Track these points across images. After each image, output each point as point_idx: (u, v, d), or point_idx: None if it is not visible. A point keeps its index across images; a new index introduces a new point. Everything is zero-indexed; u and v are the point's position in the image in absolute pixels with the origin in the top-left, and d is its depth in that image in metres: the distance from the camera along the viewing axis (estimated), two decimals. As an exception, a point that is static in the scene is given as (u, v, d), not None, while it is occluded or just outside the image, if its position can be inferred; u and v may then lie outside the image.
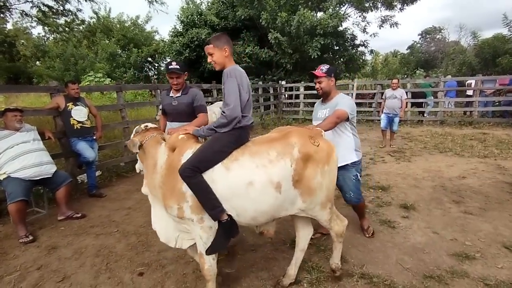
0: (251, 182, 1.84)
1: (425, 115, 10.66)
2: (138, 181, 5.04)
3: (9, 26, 21.90)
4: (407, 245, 2.80)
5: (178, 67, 2.91)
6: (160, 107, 3.32)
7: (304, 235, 2.28)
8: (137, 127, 2.31)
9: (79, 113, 4.20)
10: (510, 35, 15.19)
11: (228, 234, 1.94)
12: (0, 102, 15.12)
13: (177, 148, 2.01)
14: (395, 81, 6.82)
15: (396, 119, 6.75)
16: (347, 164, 2.69)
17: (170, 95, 3.07)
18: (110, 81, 16.78)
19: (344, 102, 2.62)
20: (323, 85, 2.69)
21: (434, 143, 7.17)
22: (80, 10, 8.56)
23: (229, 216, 1.91)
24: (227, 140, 1.92)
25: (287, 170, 1.87)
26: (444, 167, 5.25)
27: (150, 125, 2.31)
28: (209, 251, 1.95)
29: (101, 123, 4.63)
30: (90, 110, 4.39)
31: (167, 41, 17.99)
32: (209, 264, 1.99)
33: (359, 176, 2.80)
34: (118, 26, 21.09)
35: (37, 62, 23.46)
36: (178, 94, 3.00)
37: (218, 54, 1.99)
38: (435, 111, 10.37)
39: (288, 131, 2.01)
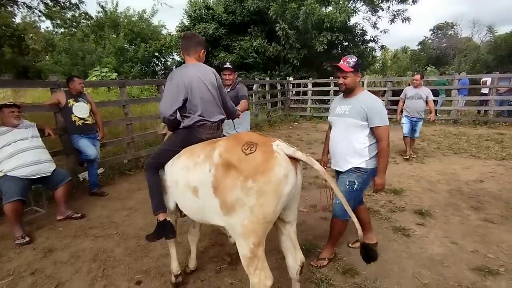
0: (177, 181, 1.94)
1: (437, 114, 10.32)
2: (140, 179, 4.91)
3: (17, 19, 22.00)
4: (424, 257, 2.60)
5: (231, 66, 3.54)
6: None
7: (292, 265, 1.90)
8: None
9: (80, 109, 4.06)
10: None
11: (159, 234, 2.16)
12: (9, 96, 15.19)
13: None
14: (417, 77, 5.69)
15: (419, 124, 5.75)
16: (350, 169, 2.37)
17: None
18: (117, 75, 16.66)
19: (378, 109, 2.27)
20: (348, 81, 2.30)
21: (448, 144, 6.88)
22: (82, 2, 8.40)
23: (167, 221, 2.13)
24: (173, 140, 2.10)
25: (205, 175, 1.71)
26: (460, 170, 4.99)
27: None
28: (147, 238, 2.25)
29: (101, 121, 4.47)
30: (91, 107, 4.24)
31: (174, 36, 17.82)
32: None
33: (356, 187, 2.34)
34: (125, 21, 20.94)
35: (47, 57, 23.47)
36: (228, 90, 3.41)
37: None
38: (448, 110, 10.00)
39: (236, 134, 1.89)
